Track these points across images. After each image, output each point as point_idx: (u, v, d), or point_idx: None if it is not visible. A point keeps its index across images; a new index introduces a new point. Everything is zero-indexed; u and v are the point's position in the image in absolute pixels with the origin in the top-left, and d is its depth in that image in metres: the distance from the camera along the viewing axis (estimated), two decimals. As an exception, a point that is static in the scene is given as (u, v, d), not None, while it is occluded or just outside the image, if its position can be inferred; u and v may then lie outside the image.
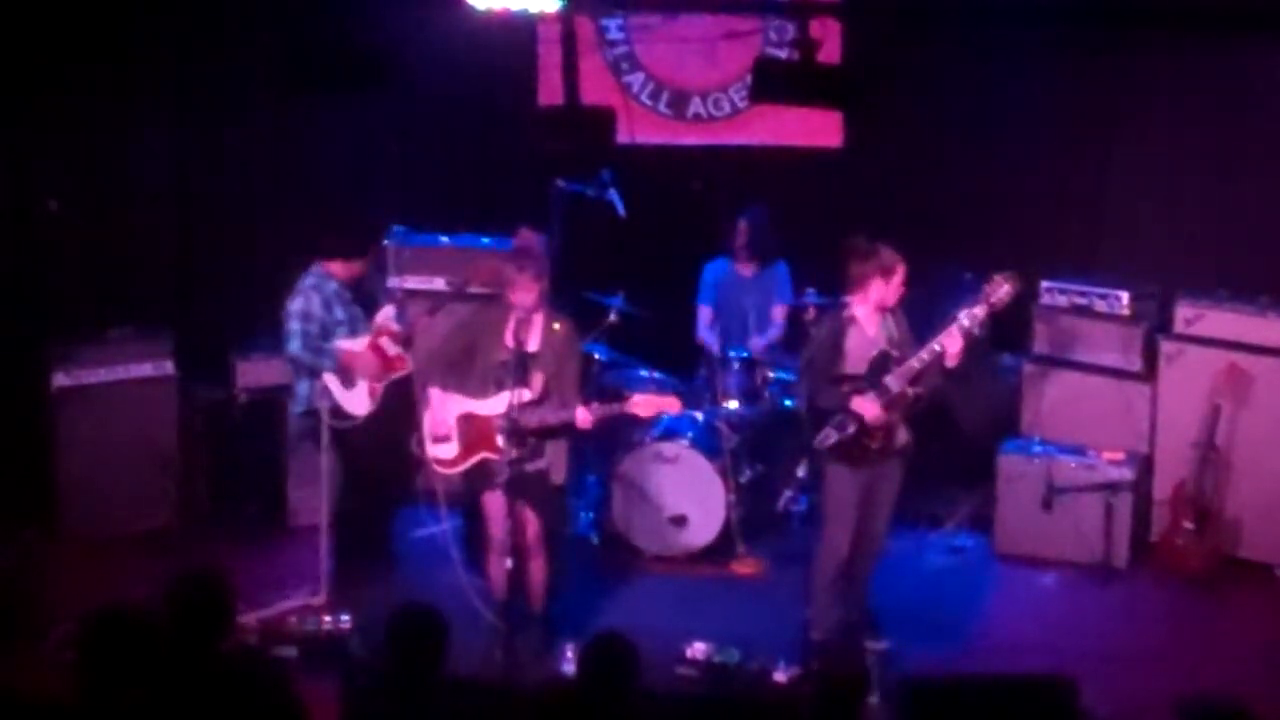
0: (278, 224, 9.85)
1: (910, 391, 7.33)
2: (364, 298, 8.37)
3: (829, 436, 7.36)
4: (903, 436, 7.50)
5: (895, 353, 7.36)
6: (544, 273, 7.50)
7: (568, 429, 7.40)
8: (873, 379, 7.33)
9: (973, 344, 7.39)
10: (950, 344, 7.23)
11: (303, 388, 8.20)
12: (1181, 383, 8.85)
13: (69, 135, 9.30)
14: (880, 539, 7.64)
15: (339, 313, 8.18)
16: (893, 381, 7.30)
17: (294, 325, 8.08)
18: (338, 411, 8.11)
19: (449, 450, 7.51)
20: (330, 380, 8.10)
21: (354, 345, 8.16)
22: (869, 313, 7.42)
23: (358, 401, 8.16)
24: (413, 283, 9.20)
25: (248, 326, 9.49)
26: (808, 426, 7.55)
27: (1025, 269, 9.24)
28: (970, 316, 7.25)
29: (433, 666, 5.38)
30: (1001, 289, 7.28)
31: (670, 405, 7.54)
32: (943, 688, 5.81)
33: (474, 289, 8.65)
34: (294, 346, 8.09)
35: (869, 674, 6.88)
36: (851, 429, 7.30)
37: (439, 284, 9.06)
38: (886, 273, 7.38)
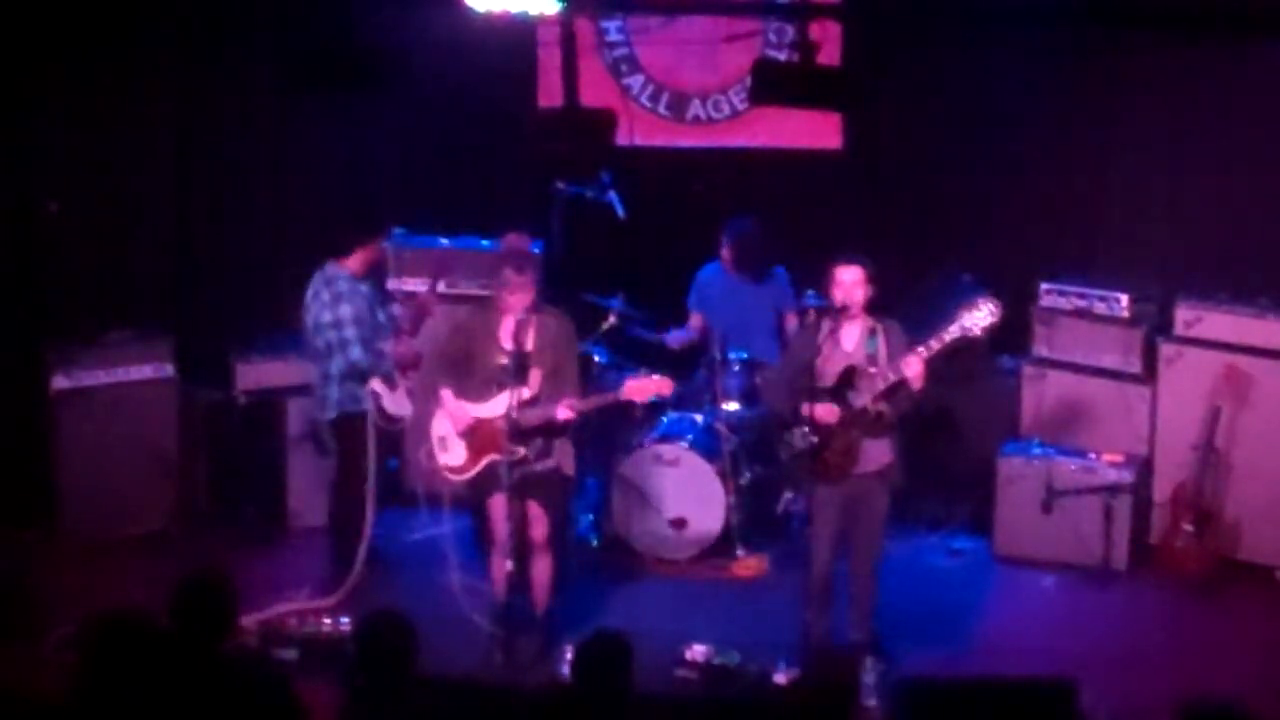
0: (278, 225, 9.86)
1: (873, 409, 7.18)
2: (384, 295, 8.39)
3: (789, 446, 7.33)
4: (882, 456, 7.34)
5: (872, 369, 7.22)
6: (539, 275, 7.50)
7: (554, 424, 7.39)
8: (838, 393, 7.19)
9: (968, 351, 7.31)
10: (912, 366, 7.06)
11: (332, 393, 8.11)
12: (1181, 385, 8.84)
13: (69, 135, 9.30)
14: (870, 561, 7.48)
15: (380, 314, 8.21)
16: (855, 397, 7.19)
17: (350, 332, 7.96)
18: (384, 415, 8.11)
19: (458, 456, 7.51)
20: (377, 384, 8.07)
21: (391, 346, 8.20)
22: (850, 325, 7.28)
23: (401, 403, 8.18)
24: (412, 285, 9.21)
25: (247, 328, 9.51)
26: (773, 434, 7.52)
27: (1025, 270, 9.35)
28: (939, 339, 7.06)
29: (401, 672, 5.38)
30: (978, 315, 7.03)
31: (663, 387, 7.50)
32: (943, 690, 5.81)
33: (469, 290, 8.69)
34: (355, 353, 7.96)
35: (858, 680, 6.93)
36: (811, 440, 7.19)
37: (439, 286, 9.06)
38: (827, 281, 7.30)
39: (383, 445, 8.22)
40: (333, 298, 8.03)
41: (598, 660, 5.45)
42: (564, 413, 7.30)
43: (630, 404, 7.44)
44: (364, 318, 8.04)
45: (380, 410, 8.10)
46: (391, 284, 9.20)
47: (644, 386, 7.43)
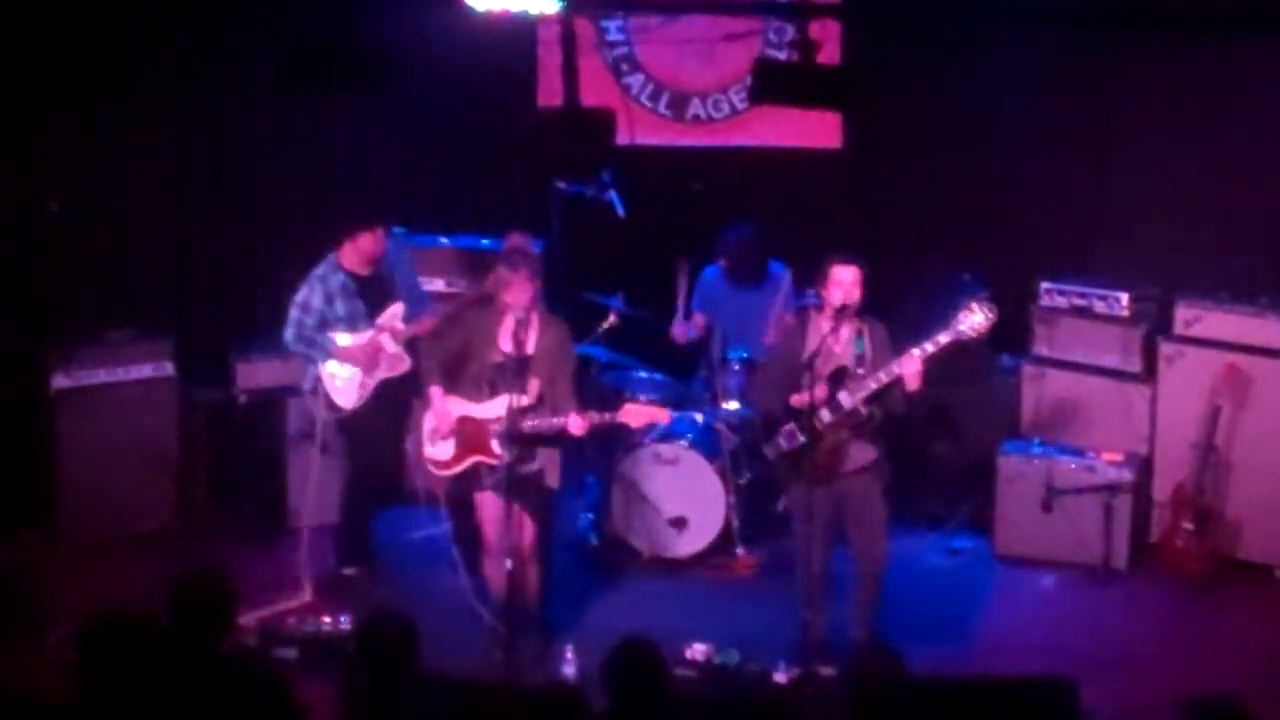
0: (278, 224, 9.87)
1: (864, 410, 7.17)
2: (380, 292, 8.36)
3: (776, 446, 7.33)
4: (866, 454, 7.32)
5: (860, 370, 7.22)
6: (538, 272, 7.47)
7: (561, 435, 7.36)
8: (828, 394, 7.18)
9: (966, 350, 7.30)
10: (908, 367, 7.05)
11: (312, 370, 8.33)
12: (1181, 384, 8.84)
13: (69, 135, 9.30)
14: (874, 561, 7.47)
15: (339, 308, 8.22)
16: (845, 398, 7.18)
17: (292, 314, 8.22)
18: (328, 402, 8.20)
19: (445, 451, 7.50)
20: (323, 371, 8.15)
21: (352, 340, 8.19)
22: (837, 325, 7.26)
23: (346, 394, 8.21)
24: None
25: (247, 327, 9.53)
26: (760, 434, 7.53)
27: (1025, 270, 9.35)
28: (934, 342, 7.06)
29: (401, 672, 5.38)
30: (974, 319, 7.03)
31: (659, 416, 7.53)
32: (943, 689, 5.81)
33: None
34: (287, 335, 8.24)
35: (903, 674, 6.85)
36: (799, 440, 7.20)
37: (439, 285, 9.07)
38: (822, 280, 7.29)
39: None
40: (306, 279, 8.24)
41: (634, 673, 5.43)
42: (576, 427, 7.26)
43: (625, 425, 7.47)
44: (311, 304, 8.18)
45: (325, 397, 8.21)
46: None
47: (641, 413, 7.42)
